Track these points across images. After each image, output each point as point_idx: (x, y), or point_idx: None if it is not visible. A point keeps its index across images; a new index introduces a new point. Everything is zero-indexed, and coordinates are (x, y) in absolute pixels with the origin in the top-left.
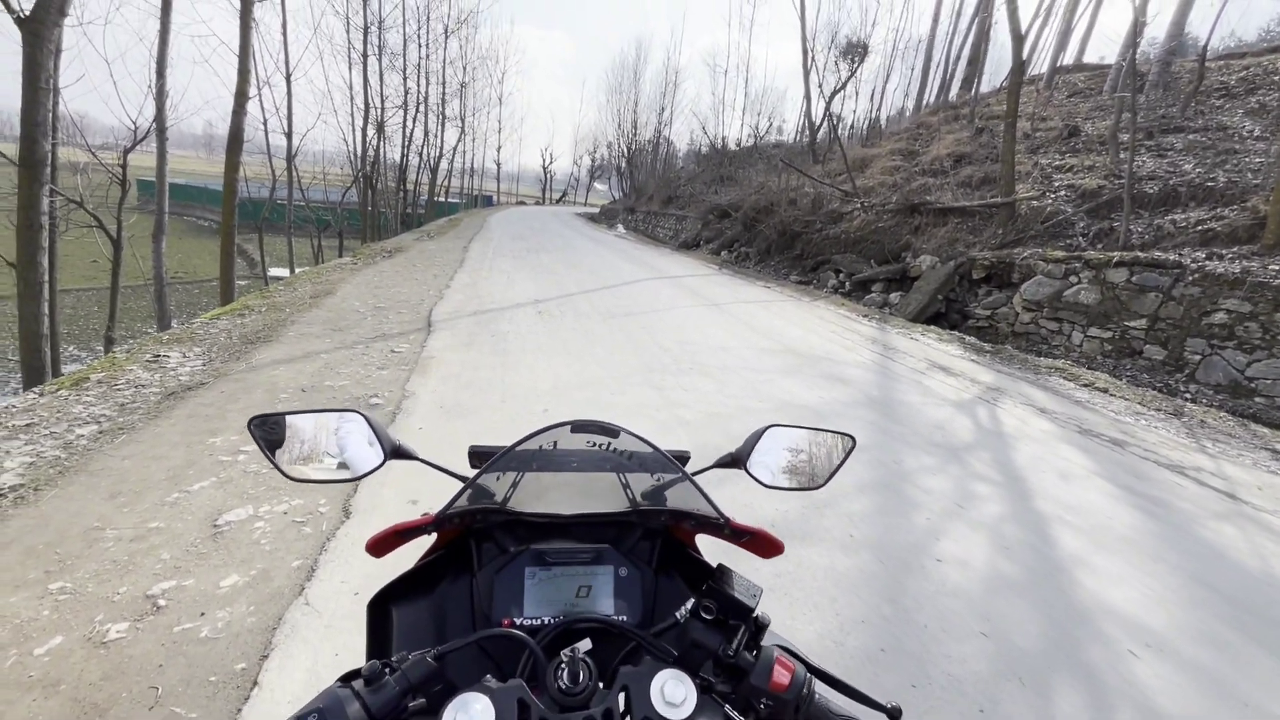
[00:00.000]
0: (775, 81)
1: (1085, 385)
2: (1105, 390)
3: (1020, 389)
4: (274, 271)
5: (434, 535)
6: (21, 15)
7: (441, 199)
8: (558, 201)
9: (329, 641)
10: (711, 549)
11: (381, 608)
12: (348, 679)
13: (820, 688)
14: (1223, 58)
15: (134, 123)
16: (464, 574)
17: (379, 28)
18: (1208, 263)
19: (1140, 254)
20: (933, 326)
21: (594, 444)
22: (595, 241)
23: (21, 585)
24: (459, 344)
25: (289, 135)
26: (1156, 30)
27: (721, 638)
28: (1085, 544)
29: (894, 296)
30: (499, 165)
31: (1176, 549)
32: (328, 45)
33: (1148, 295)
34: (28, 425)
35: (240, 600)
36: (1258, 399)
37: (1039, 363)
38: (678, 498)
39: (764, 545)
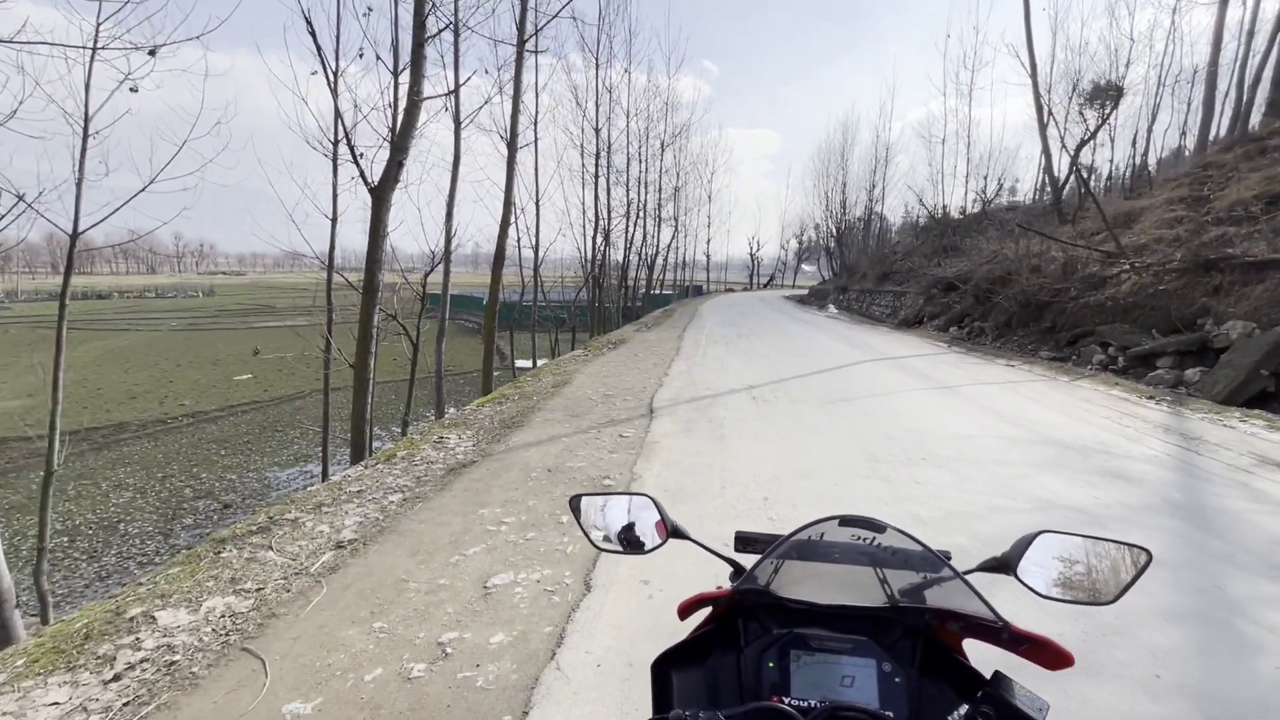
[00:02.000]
0: (1003, 141)
1: None
2: None
3: None
4: (520, 364)
5: (709, 609)
6: (372, 185)
7: (656, 292)
8: (765, 286)
9: (577, 708)
10: (982, 660)
11: (663, 671)
12: None
13: None
14: None
15: (432, 252)
16: (731, 649)
17: (608, 152)
18: None
19: None
20: (1257, 410)
21: (858, 537)
22: (805, 324)
23: (356, 621)
24: (679, 430)
25: (535, 249)
26: None
27: None
28: None
29: (1192, 373)
30: (708, 256)
31: None
32: (567, 173)
33: None
34: (358, 492)
35: (505, 657)
36: None
37: None
38: (940, 597)
39: (1050, 656)
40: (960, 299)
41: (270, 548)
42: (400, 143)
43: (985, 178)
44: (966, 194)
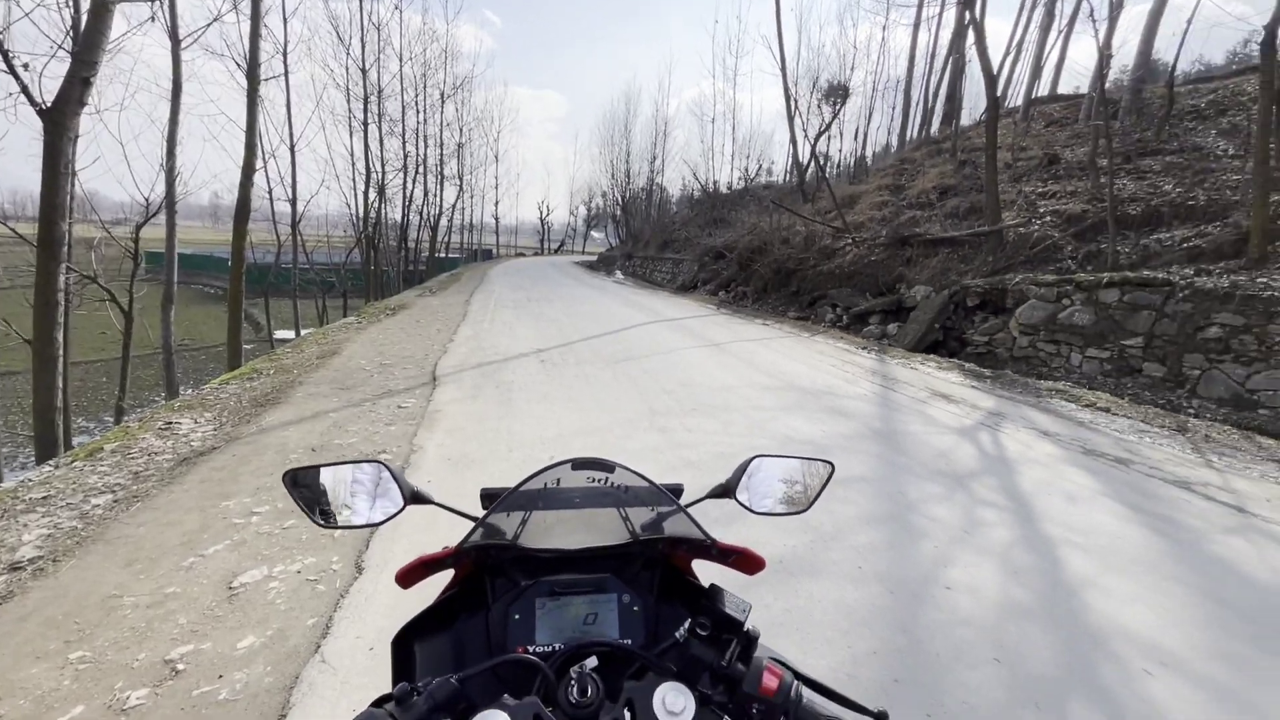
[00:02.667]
0: (762, 125)
1: (1087, 405)
2: (1107, 410)
3: (1022, 413)
4: (280, 334)
5: (451, 571)
6: (44, 107)
7: (442, 255)
8: (556, 251)
9: (346, 698)
10: (706, 574)
11: (404, 644)
12: (380, 703)
13: (808, 694)
14: (1192, 82)
15: (146, 199)
16: (479, 609)
17: (378, 97)
18: (1196, 279)
19: (1129, 274)
20: (932, 355)
21: (594, 479)
22: (594, 288)
23: (42, 656)
24: (464, 396)
25: (293, 203)
26: (1126, 58)
27: (716, 652)
28: (1095, 565)
29: (892, 327)
30: (497, 220)
31: (1187, 566)
32: (329, 116)
33: (1141, 314)
34: (44, 498)
35: (257, 661)
36: (1261, 411)
37: (1040, 385)
38: (673, 528)
39: (749, 562)
40: (727, 266)
41: None
42: (84, 54)
43: (748, 157)
44: (733, 171)
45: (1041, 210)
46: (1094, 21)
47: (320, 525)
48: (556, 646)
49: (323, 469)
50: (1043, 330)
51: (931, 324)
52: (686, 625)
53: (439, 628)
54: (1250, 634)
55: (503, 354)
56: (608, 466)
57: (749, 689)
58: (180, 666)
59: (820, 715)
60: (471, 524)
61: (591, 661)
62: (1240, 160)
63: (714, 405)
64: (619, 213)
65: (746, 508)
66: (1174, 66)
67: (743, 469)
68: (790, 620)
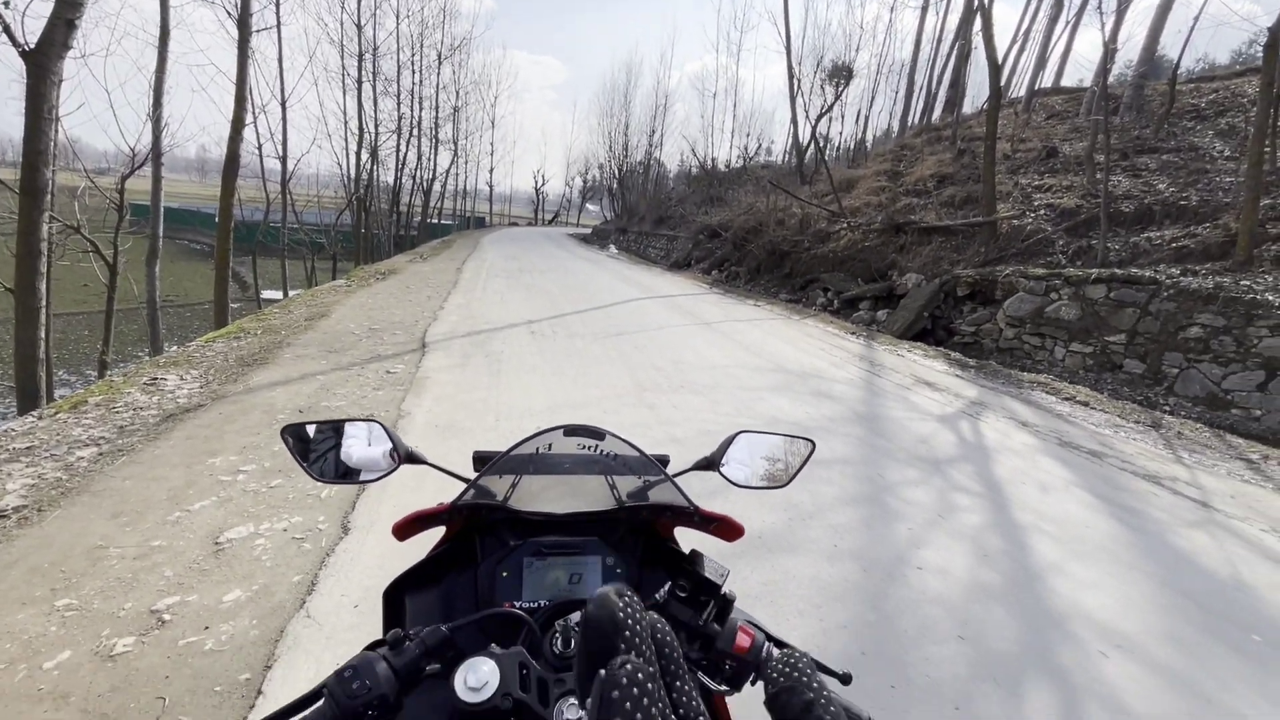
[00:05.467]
0: (763, 104)
1: (1067, 399)
2: (1086, 404)
3: (1003, 403)
4: (267, 294)
5: (443, 530)
6: (27, 48)
7: (434, 221)
8: (550, 222)
9: (330, 651)
10: (687, 541)
11: (396, 596)
12: (373, 647)
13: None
14: (1194, 80)
15: (132, 149)
16: (469, 566)
17: (373, 55)
18: (1182, 279)
19: (1117, 271)
20: (919, 343)
21: (584, 446)
22: (588, 261)
23: (28, 602)
24: (453, 365)
25: (283, 160)
26: (1131, 52)
27: (694, 612)
28: (1062, 552)
29: (881, 314)
30: (492, 187)
31: (1149, 556)
32: (323, 72)
33: (1126, 311)
34: (28, 448)
35: (243, 614)
36: (1234, 410)
37: (1022, 377)
38: (659, 496)
39: (729, 529)
40: (722, 245)
41: None
42: None
43: (748, 135)
44: (731, 149)
45: (1036, 203)
46: (1101, 14)
47: (317, 479)
48: (542, 603)
49: (320, 425)
50: (1029, 323)
51: (921, 312)
52: (667, 587)
53: (429, 582)
54: (1203, 622)
55: (493, 323)
56: (598, 434)
57: (723, 646)
58: (166, 617)
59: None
60: (464, 485)
61: (575, 616)
62: (1235, 162)
63: (702, 384)
64: (615, 186)
65: (730, 480)
66: (1177, 64)
67: (727, 443)
68: (767, 593)
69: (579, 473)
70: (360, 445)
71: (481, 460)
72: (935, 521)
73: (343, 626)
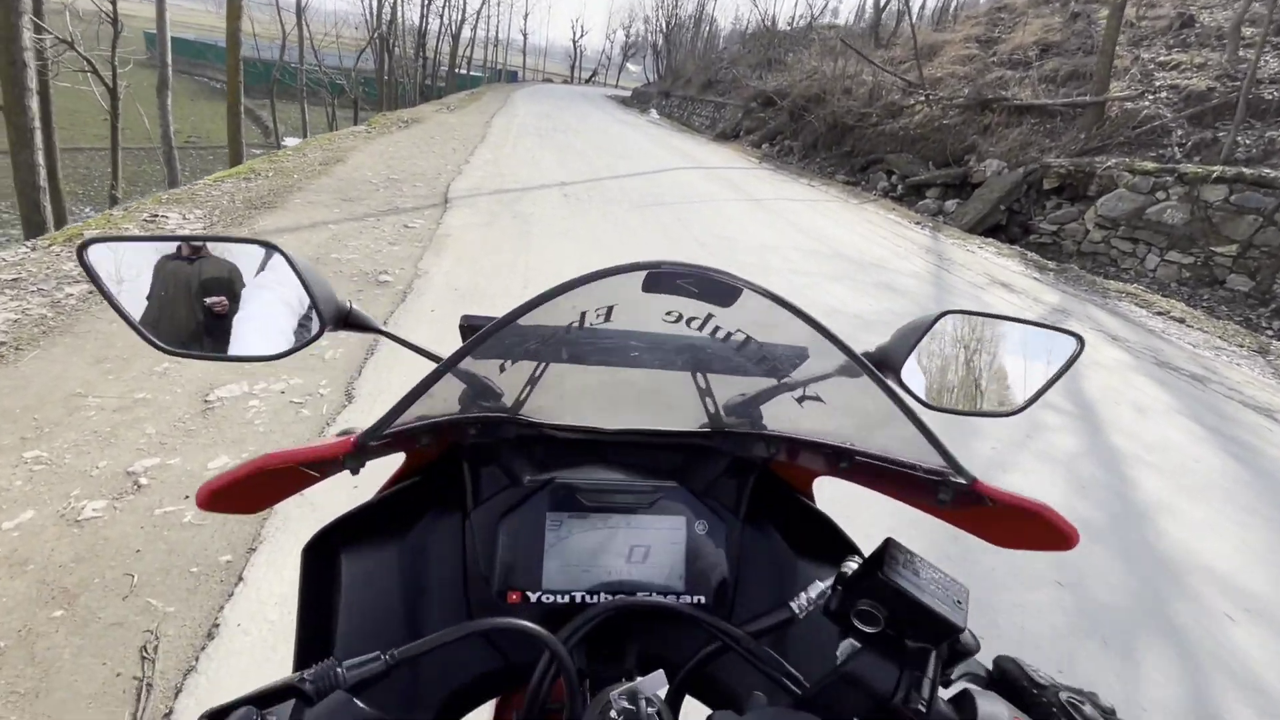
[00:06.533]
0: None
1: (1159, 313)
2: (1182, 320)
3: (1089, 312)
4: (288, 141)
5: (400, 455)
6: None
7: (463, 71)
8: (587, 81)
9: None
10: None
11: (324, 554)
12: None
13: None
14: None
15: None
16: (452, 511)
17: None
18: None
19: (1245, 170)
20: (991, 239)
21: (673, 315)
22: (626, 125)
23: None
24: (478, 223)
25: None
26: None
27: (895, 669)
28: (1169, 487)
29: (950, 204)
30: (525, 36)
31: (1271, 500)
32: None
33: (1245, 218)
34: (14, 280)
35: None
36: None
37: (1107, 285)
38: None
39: (1031, 529)
40: (776, 116)
41: None
42: None
43: None
44: (796, 5)
45: (1158, 83)
46: None
47: (160, 348)
48: (578, 598)
49: (158, 243)
50: (1123, 225)
51: (997, 204)
52: (814, 594)
53: (383, 537)
54: None
55: (523, 183)
56: (725, 289)
57: None
58: (143, 481)
59: None
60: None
61: (656, 682)
62: None
63: (752, 264)
64: (660, 43)
65: (918, 399)
66: None
67: (920, 330)
68: None
69: (653, 364)
70: (259, 282)
71: (473, 330)
72: (1022, 442)
73: (337, 506)
